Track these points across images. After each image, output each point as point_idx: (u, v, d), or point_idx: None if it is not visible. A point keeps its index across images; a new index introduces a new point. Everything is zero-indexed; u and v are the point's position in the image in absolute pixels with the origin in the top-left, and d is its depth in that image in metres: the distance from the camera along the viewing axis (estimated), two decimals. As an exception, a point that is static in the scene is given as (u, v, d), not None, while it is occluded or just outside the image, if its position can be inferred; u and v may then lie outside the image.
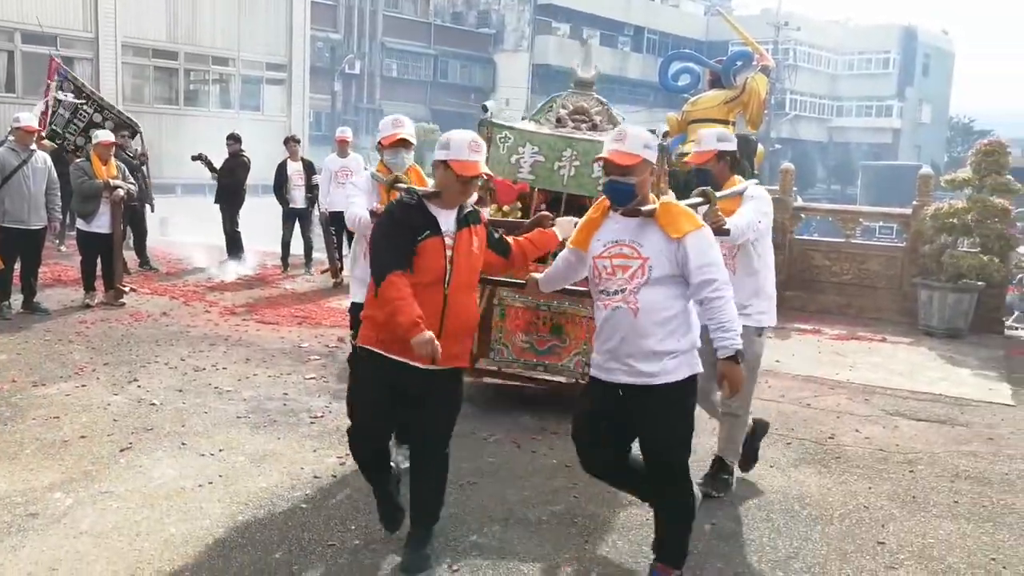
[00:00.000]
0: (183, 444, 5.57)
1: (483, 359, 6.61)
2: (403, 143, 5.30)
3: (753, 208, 4.81)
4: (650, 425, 3.91)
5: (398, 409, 4.09)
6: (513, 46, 47.31)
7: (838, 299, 12.17)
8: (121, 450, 5.40)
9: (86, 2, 20.50)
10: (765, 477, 5.57)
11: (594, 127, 6.68)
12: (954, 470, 5.91)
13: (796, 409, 7.20)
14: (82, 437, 5.60)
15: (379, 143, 5.44)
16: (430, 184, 4.92)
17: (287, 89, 24.91)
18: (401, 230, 3.95)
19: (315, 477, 5.15)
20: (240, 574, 3.95)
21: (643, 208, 3.83)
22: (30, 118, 9.26)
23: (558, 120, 6.74)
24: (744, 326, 4.52)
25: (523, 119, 7.01)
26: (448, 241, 3.97)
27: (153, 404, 6.30)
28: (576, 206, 6.14)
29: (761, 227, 4.85)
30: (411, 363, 3.92)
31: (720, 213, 4.48)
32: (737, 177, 5.05)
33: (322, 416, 6.27)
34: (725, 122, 11.75)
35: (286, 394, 6.79)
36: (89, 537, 4.22)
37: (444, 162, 3.96)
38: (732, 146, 5.11)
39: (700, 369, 3.95)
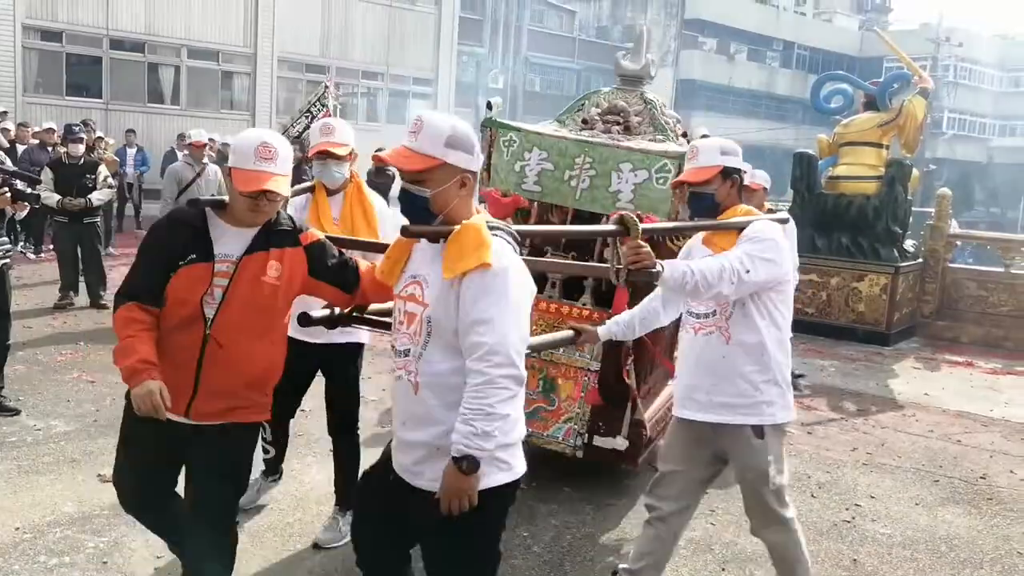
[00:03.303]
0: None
1: None
2: (329, 154, 4.31)
3: (744, 252, 3.40)
4: (430, 543, 2.82)
5: (169, 471, 3.29)
6: (658, 61, 46.89)
7: (994, 331, 11.64)
8: (274, 453, 5.65)
9: (246, 20, 21.58)
10: (910, 515, 5.41)
11: (627, 130, 5.40)
12: (1118, 519, 5.60)
13: (945, 445, 6.94)
14: (239, 439, 5.89)
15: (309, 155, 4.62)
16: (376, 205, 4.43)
17: (433, 103, 25.52)
18: (161, 249, 3.10)
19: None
20: (384, 581, 4.10)
21: (416, 228, 2.75)
22: (200, 134, 9.92)
23: (584, 122, 5.52)
24: (738, 425, 3.56)
25: (550, 121, 5.80)
26: (222, 267, 3.07)
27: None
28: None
29: (750, 279, 3.37)
30: (172, 417, 3.04)
31: (643, 249, 3.15)
32: (744, 207, 3.70)
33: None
34: (879, 145, 11.53)
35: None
36: (246, 536, 4.43)
37: (229, 170, 3.07)
38: (740, 162, 3.71)
39: (516, 475, 2.75)
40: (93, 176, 9.67)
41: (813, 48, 51.27)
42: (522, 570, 4.30)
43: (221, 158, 14.39)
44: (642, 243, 3.17)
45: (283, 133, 12.83)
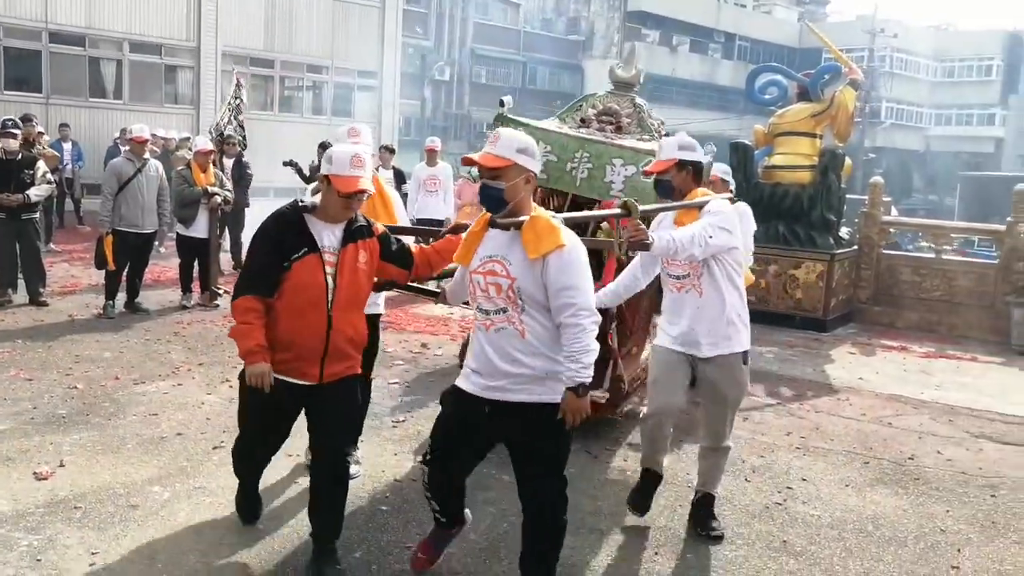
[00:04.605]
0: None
1: None
2: None
3: (706, 223, 4.45)
4: (527, 443, 3.77)
5: (285, 427, 4.28)
6: (602, 53, 47.22)
7: (927, 316, 11.94)
8: (214, 448, 5.66)
9: (189, 13, 21.28)
10: (839, 496, 5.57)
11: (619, 129, 6.33)
12: (1037, 496, 5.82)
13: (876, 428, 7.14)
14: (178, 434, 5.90)
15: None
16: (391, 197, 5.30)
17: (378, 96, 25.40)
18: (272, 248, 3.90)
19: (395, 480, 5.34)
20: (323, 572, 4.14)
21: (504, 220, 3.64)
22: (141, 129, 9.81)
23: (582, 120, 6.42)
24: (725, 354, 4.65)
25: (552, 118, 6.71)
26: (329, 258, 3.91)
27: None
28: (586, 208, 6.10)
29: (713, 243, 4.42)
30: (293, 380, 3.98)
31: (641, 226, 4.17)
32: (703, 191, 4.74)
33: (404, 421, 6.47)
34: (813, 135, 11.75)
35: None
36: (185, 530, 4.48)
37: (327, 176, 3.91)
38: (696, 156, 4.72)
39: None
40: (31, 172, 9.53)
41: (754, 40, 51.95)
42: (457, 557, 4.36)
43: (164, 153, 14.27)
44: (639, 222, 4.17)
45: (215, 126, 12.82)
